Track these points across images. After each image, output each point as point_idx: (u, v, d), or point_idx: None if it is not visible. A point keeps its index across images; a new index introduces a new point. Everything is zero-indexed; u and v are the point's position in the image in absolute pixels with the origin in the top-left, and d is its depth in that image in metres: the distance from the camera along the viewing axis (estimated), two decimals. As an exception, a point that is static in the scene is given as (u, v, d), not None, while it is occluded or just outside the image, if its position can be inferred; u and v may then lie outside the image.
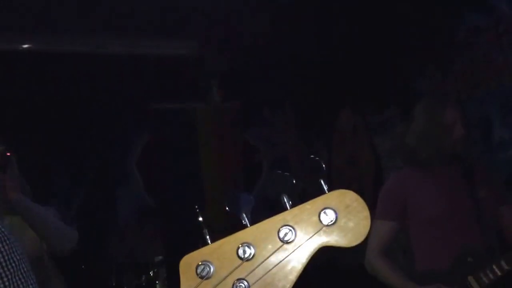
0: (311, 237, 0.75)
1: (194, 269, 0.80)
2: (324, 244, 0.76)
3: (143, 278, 5.05)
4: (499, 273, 2.34)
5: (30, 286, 1.11)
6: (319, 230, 0.75)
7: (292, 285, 0.75)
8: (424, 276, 2.50)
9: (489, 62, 4.12)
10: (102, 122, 5.77)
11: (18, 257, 1.10)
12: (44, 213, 2.49)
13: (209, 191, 6.24)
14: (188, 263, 0.81)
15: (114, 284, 5.21)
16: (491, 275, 2.35)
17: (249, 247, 0.77)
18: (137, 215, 6.16)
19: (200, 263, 0.80)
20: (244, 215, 0.82)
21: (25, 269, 1.11)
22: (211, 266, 0.79)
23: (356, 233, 0.77)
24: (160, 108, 6.25)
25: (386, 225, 2.61)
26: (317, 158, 0.87)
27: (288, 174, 0.83)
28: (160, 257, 5.30)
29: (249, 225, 0.81)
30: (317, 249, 0.76)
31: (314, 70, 5.58)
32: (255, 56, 5.19)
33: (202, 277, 0.80)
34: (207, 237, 0.84)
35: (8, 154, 2.43)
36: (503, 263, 2.35)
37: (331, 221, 0.76)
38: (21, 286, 1.06)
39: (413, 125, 2.65)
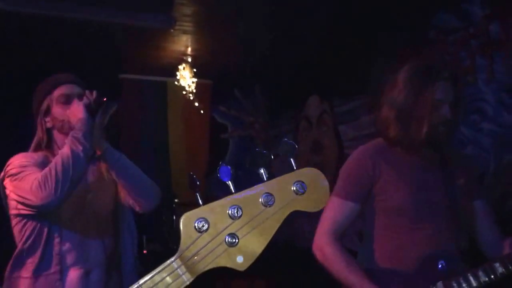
0: (287, 204, 1.04)
1: (193, 225, 1.05)
2: (295, 209, 1.05)
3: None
4: (474, 284, 2.11)
5: None
6: (292, 198, 1.05)
7: (271, 238, 1.03)
8: (383, 275, 2.22)
9: (457, 62, 4.37)
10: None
11: None
12: (132, 163, 2.38)
13: (175, 162, 6.50)
14: (188, 219, 1.05)
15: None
16: (464, 285, 2.11)
17: (238, 209, 1.04)
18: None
19: (198, 219, 1.05)
20: (230, 183, 1.08)
21: None
22: (208, 223, 1.05)
23: (319, 201, 1.07)
24: (129, 79, 6.41)
25: (345, 205, 2.28)
26: (290, 141, 1.10)
27: (266, 151, 1.09)
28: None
29: (233, 191, 1.06)
30: (290, 212, 1.05)
31: (286, 56, 5.79)
32: (229, 37, 5.37)
33: (200, 231, 1.05)
34: (200, 200, 1.08)
35: (105, 99, 2.30)
36: (480, 273, 2.12)
37: (302, 192, 1.05)
38: None
39: (394, 92, 2.27)
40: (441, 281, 2.12)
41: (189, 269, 1.05)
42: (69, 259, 2.27)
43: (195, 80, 5.74)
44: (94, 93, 2.28)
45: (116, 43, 5.36)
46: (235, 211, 1.04)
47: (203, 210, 1.05)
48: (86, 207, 2.32)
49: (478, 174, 2.68)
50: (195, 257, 1.04)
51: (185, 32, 5.25)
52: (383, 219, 2.28)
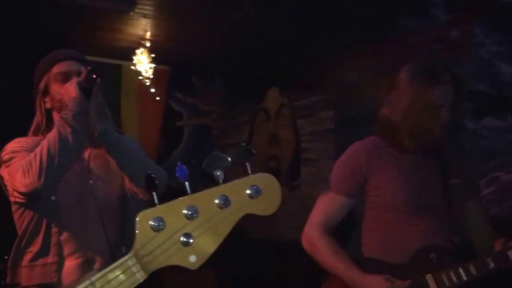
0: (241, 206, 1.11)
1: (149, 223, 1.09)
2: (248, 212, 1.12)
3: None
4: (464, 278, 2.15)
5: None
6: (247, 201, 1.12)
7: (223, 239, 1.10)
8: (372, 265, 2.25)
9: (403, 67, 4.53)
10: (20, 66, 5.73)
11: None
12: (133, 146, 2.25)
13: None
14: (144, 218, 1.09)
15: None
16: (454, 278, 2.16)
17: (194, 209, 1.09)
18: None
19: (154, 218, 1.08)
20: (187, 184, 1.12)
21: None
22: (163, 222, 1.09)
23: (271, 207, 1.14)
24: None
25: (338, 200, 2.32)
26: (248, 146, 1.16)
27: (224, 155, 1.14)
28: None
29: (189, 192, 1.11)
30: (243, 214, 1.12)
31: (247, 47, 5.81)
32: (190, 25, 5.35)
33: (156, 230, 1.09)
34: (156, 198, 1.12)
35: (95, 76, 2.12)
36: (471, 268, 2.16)
37: (256, 196, 1.12)
38: None
39: (394, 92, 2.32)
40: (430, 274, 2.17)
41: (144, 267, 1.09)
42: (68, 248, 2.17)
43: (152, 65, 5.70)
44: (84, 70, 2.15)
45: (72, 23, 5.27)
46: (191, 212, 1.09)
47: (159, 210, 1.10)
48: (87, 195, 2.21)
49: (474, 173, 2.61)
50: (150, 255, 1.08)
51: (145, 16, 5.19)
52: (375, 214, 2.32)
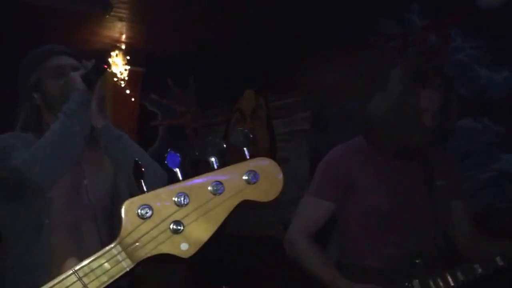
0: (236, 193, 1.04)
1: (136, 211, 1.03)
2: (245, 198, 1.05)
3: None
4: (452, 284, 2.14)
5: None
6: (243, 188, 1.05)
7: (218, 226, 1.04)
8: (356, 270, 2.24)
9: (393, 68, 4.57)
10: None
11: None
12: (134, 144, 2.14)
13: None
14: (131, 205, 1.03)
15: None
16: (441, 284, 2.14)
17: (185, 196, 1.03)
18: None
19: (142, 206, 1.03)
20: (178, 170, 1.06)
21: None
22: (152, 209, 1.03)
23: (271, 193, 1.07)
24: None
25: (320, 204, 2.30)
26: (246, 130, 1.10)
27: (218, 140, 1.09)
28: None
29: (181, 179, 1.05)
30: (240, 201, 1.05)
31: (223, 48, 5.79)
32: (165, 26, 5.31)
33: (143, 218, 1.03)
34: (144, 185, 1.06)
35: (106, 66, 2.05)
36: (459, 273, 2.15)
37: (253, 181, 1.05)
38: None
39: (380, 94, 2.31)
40: (417, 280, 2.14)
41: (130, 255, 1.03)
42: (60, 249, 2.02)
43: (127, 67, 5.65)
44: (93, 61, 2.04)
45: (47, 26, 5.16)
46: (182, 199, 1.03)
47: (147, 197, 1.04)
48: (80, 195, 2.08)
49: (459, 174, 2.62)
50: (137, 244, 1.03)
51: (120, 19, 5.15)
52: (358, 218, 2.29)
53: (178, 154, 1.05)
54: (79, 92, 1.99)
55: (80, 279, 1.02)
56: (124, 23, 5.19)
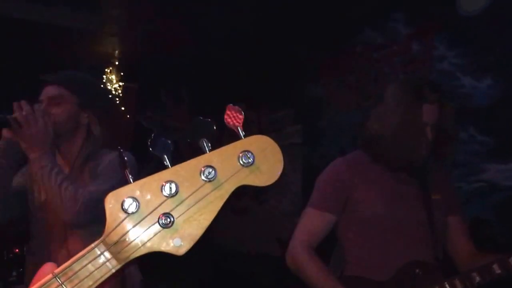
0: (231, 177, 0.87)
1: (120, 205, 0.87)
2: (243, 183, 0.88)
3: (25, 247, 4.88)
4: None
5: None
6: (238, 171, 0.88)
7: (213, 217, 0.87)
8: (355, 283, 2.16)
9: (381, 77, 4.47)
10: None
11: None
12: (53, 177, 2.07)
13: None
14: (114, 198, 0.87)
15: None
16: None
17: (173, 185, 0.87)
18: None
19: (126, 199, 0.87)
20: (166, 157, 0.91)
21: None
22: (138, 202, 0.87)
23: (270, 174, 0.90)
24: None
25: (321, 216, 2.21)
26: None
27: (208, 120, 0.93)
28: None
29: (170, 166, 0.90)
30: (236, 187, 0.88)
31: (214, 64, 5.70)
32: (157, 41, 5.21)
33: (127, 212, 0.87)
34: (130, 176, 0.90)
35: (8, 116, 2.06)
36: (457, 282, 2.08)
37: (249, 162, 0.89)
38: None
39: (381, 110, 2.23)
40: None
41: (115, 255, 0.87)
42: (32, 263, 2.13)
43: (121, 83, 5.51)
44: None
45: (40, 42, 5.05)
46: (169, 187, 0.87)
47: (132, 188, 0.88)
48: (47, 221, 2.13)
49: (455, 190, 2.54)
50: (123, 242, 0.87)
51: (112, 35, 5.03)
52: (358, 230, 2.22)
53: (167, 140, 0.89)
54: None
55: (61, 284, 0.86)
56: (116, 39, 5.08)
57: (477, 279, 2.07)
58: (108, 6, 4.57)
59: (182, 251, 0.87)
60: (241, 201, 5.76)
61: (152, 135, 0.90)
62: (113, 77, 5.43)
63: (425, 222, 2.19)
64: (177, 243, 0.87)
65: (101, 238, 0.88)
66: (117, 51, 5.29)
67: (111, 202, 0.88)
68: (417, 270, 2.11)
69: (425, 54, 4.17)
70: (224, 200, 0.87)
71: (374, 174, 2.23)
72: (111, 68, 5.40)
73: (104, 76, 5.43)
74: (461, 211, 2.39)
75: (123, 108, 5.89)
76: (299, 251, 2.17)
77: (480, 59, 3.79)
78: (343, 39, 4.79)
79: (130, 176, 0.90)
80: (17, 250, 4.68)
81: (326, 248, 2.31)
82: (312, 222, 2.22)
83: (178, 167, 0.89)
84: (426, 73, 4.12)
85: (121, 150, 0.93)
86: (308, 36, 4.86)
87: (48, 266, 0.89)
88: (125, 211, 0.87)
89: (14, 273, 4.53)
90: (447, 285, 2.07)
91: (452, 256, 2.32)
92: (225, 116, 0.91)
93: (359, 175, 2.22)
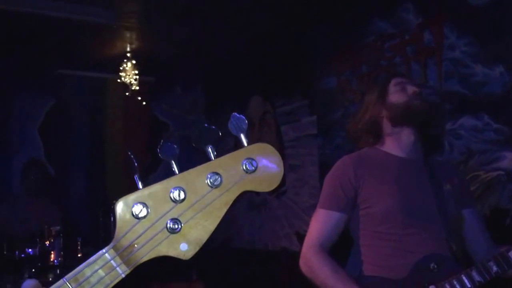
0: (235, 184, 0.90)
1: (130, 210, 0.90)
2: (245, 189, 0.91)
3: (38, 248, 4.93)
4: (468, 285, 2.01)
5: None
6: (242, 177, 0.90)
7: (218, 222, 0.90)
8: (373, 282, 2.10)
9: (392, 68, 4.42)
10: (4, 83, 5.56)
11: None
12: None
13: (112, 162, 6.24)
14: (124, 204, 0.90)
15: (4, 253, 5.05)
16: (458, 286, 2.02)
17: (181, 191, 0.89)
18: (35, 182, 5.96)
19: (136, 204, 0.90)
20: (173, 162, 0.93)
21: None
22: (147, 207, 0.90)
23: (271, 181, 0.92)
24: (68, 74, 6.11)
25: (331, 217, 2.17)
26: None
27: (214, 127, 0.95)
28: (57, 227, 5.21)
29: (177, 172, 0.92)
30: (240, 193, 0.91)
31: (229, 56, 5.70)
32: (172, 35, 5.23)
33: (138, 218, 0.90)
34: (139, 182, 0.93)
35: None
36: (474, 273, 2.02)
37: (252, 169, 0.91)
38: None
39: (366, 100, 2.32)
40: (433, 285, 2.03)
41: (125, 260, 0.89)
42: None
43: (137, 77, 5.53)
44: None
45: (56, 37, 5.10)
46: (177, 194, 0.89)
47: (141, 194, 0.90)
48: None
49: (464, 181, 2.47)
50: (133, 247, 0.89)
51: (127, 29, 5.05)
52: (369, 227, 2.17)
53: (174, 144, 0.91)
54: None
55: (72, 289, 0.88)
56: (131, 33, 5.10)
57: (494, 268, 2.02)
58: (123, 1, 4.59)
59: (188, 255, 0.90)
60: (259, 195, 5.75)
61: (161, 141, 0.91)
62: (129, 70, 5.44)
63: (437, 213, 2.14)
64: (183, 248, 0.90)
65: (112, 243, 0.90)
66: (132, 45, 5.31)
67: (121, 208, 0.91)
68: (432, 264, 2.06)
69: (436, 43, 4.14)
70: (229, 205, 0.90)
71: (382, 168, 2.20)
72: (126, 62, 5.41)
73: (121, 70, 5.44)
74: (474, 204, 2.33)
75: (138, 102, 5.91)
76: (311, 255, 2.12)
77: (491, 47, 3.74)
78: (354, 30, 4.77)
79: (139, 182, 0.91)
80: (29, 250, 4.76)
81: (344, 249, 2.28)
82: (322, 223, 2.17)
83: (185, 173, 0.91)
84: (438, 62, 4.09)
85: (130, 153, 0.95)
86: (320, 28, 4.84)
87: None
88: (135, 216, 0.90)
89: (27, 275, 4.61)
90: (463, 277, 2.02)
91: (469, 251, 2.26)
92: (229, 124, 0.91)
93: (365, 170, 2.19)
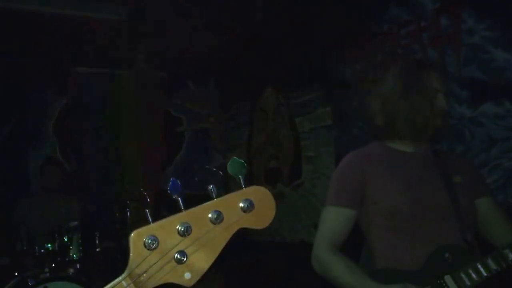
0: (235, 221, 1.06)
1: (143, 243, 1.05)
2: (242, 226, 1.08)
3: (57, 243, 5.12)
4: (484, 274, 2.03)
5: None
6: (240, 216, 1.07)
7: (218, 254, 1.07)
8: (387, 275, 2.11)
9: (409, 55, 4.41)
10: (19, 81, 5.73)
11: None
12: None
13: (127, 157, 6.42)
14: (138, 236, 1.06)
15: (24, 248, 5.25)
16: (474, 275, 2.04)
17: (187, 226, 1.06)
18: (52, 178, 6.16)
19: (148, 237, 1.05)
20: (180, 200, 1.08)
21: None
22: (157, 240, 1.05)
23: (265, 219, 1.11)
24: (82, 71, 6.27)
25: (339, 213, 2.20)
26: (240, 160, 1.11)
27: (215, 168, 1.12)
28: (75, 223, 5.39)
29: (183, 208, 1.08)
30: (237, 229, 1.08)
31: (242, 48, 5.79)
32: (184, 30, 5.31)
33: (150, 249, 1.05)
34: (149, 217, 1.09)
35: None
36: (490, 262, 2.04)
37: (249, 209, 1.08)
38: None
39: (382, 90, 2.26)
40: (449, 275, 2.05)
41: (138, 286, 1.06)
42: None
43: (149, 72, 5.66)
44: None
45: (69, 35, 5.24)
46: (185, 229, 1.05)
47: (152, 228, 1.06)
48: None
49: (475, 170, 2.49)
50: (145, 275, 1.05)
51: (140, 25, 5.16)
52: (380, 221, 2.19)
53: (179, 182, 1.07)
54: None
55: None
56: (144, 29, 5.21)
57: (511, 256, 2.04)
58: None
59: (191, 282, 1.07)
60: (276, 187, 5.86)
61: (171, 179, 1.06)
62: (142, 65, 5.57)
63: (448, 204, 2.16)
64: (187, 277, 1.07)
65: (127, 272, 1.06)
66: (145, 40, 5.42)
67: (135, 239, 1.07)
68: (446, 255, 2.08)
69: (453, 28, 4.14)
70: (227, 240, 1.08)
71: (390, 163, 2.22)
72: (139, 57, 5.53)
73: (134, 65, 5.57)
74: (488, 193, 2.34)
75: (151, 97, 6.05)
76: (322, 252, 2.16)
77: (511, 31, 3.75)
78: (369, 18, 4.80)
79: (150, 217, 1.07)
80: (48, 246, 4.94)
81: (356, 244, 2.33)
82: (331, 220, 2.20)
83: (191, 211, 1.08)
84: (456, 47, 4.10)
85: (143, 191, 1.10)
86: (334, 17, 4.88)
87: None
88: (147, 248, 1.05)
89: (47, 269, 4.80)
90: (479, 266, 2.04)
91: (492, 241, 2.26)
92: (229, 168, 1.07)
93: (373, 164, 2.22)
